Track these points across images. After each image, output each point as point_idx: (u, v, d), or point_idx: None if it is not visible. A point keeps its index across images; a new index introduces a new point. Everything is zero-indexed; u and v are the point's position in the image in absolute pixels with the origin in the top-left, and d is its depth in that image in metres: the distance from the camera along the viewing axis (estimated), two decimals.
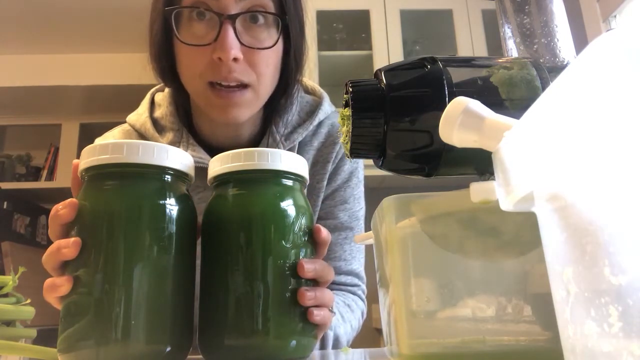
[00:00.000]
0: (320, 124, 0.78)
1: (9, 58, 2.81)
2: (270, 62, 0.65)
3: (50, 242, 0.41)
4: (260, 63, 0.63)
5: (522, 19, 0.44)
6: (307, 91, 0.81)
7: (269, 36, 0.64)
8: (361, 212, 0.81)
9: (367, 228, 0.52)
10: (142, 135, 0.74)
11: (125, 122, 0.79)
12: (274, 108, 0.74)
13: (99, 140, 0.77)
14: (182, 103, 0.75)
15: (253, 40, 0.63)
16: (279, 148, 0.72)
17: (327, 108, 0.79)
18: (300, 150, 0.76)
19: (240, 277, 0.40)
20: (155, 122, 0.74)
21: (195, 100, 0.70)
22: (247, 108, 0.66)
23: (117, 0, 2.40)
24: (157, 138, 0.72)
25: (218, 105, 0.64)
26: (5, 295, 0.52)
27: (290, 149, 0.74)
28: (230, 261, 0.41)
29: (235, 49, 0.60)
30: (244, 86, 0.63)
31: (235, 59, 0.61)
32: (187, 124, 0.75)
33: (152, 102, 0.78)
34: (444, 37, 2.25)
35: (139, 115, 0.76)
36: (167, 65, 0.68)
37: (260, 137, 0.75)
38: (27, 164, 3.01)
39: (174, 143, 0.71)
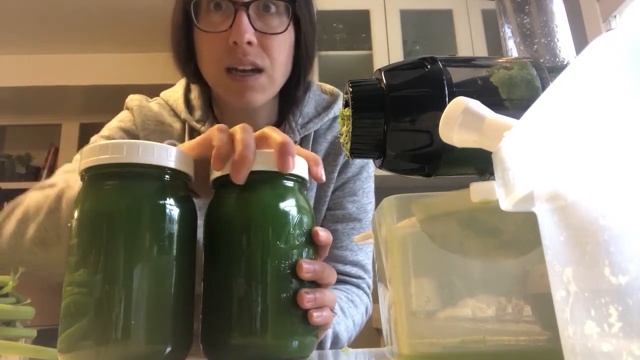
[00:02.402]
0: (335, 118, 0.81)
1: (9, 58, 2.81)
2: (282, 48, 0.69)
3: None
4: (273, 48, 0.68)
5: (522, 19, 0.44)
6: (325, 92, 0.85)
7: (281, 23, 0.69)
8: (370, 205, 0.83)
9: None
10: (173, 110, 0.79)
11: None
12: (289, 99, 0.78)
13: (134, 96, 0.82)
14: (206, 95, 0.79)
15: (265, 27, 0.68)
16: (295, 135, 0.76)
17: None
18: (315, 141, 0.79)
19: (241, 277, 0.40)
20: (188, 101, 0.79)
21: (213, 88, 0.74)
22: (262, 92, 0.69)
23: (117, 1, 2.40)
24: (187, 114, 0.77)
25: (234, 89, 0.68)
26: (5, 295, 0.52)
27: (306, 137, 0.78)
28: (232, 262, 0.41)
29: (249, 33, 0.65)
30: (258, 71, 0.68)
31: (249, 43, 0.65)
32: (211, 112, 0.79)
33: (188, 84, 0.82)
34: (444, 37, 2.25)
35: (174, 92, 0.81)
36: (187, 58, 0.72)
37: (277, 127, 0.78)
38: (27, 164, 3.01)
39: (200, 121, 0.76)
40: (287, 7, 0.69)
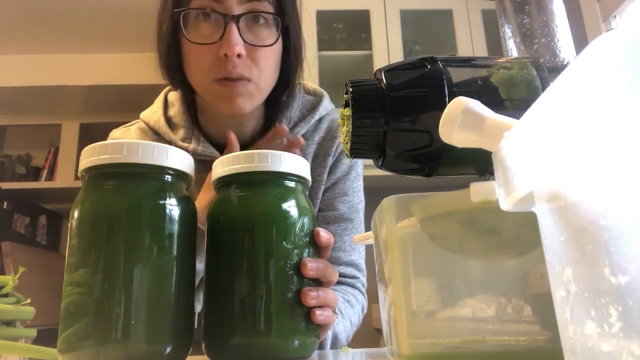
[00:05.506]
0: (320, 119, 0.81)
1: (9, 58, 2.81)
2: (270, 58, 0.70)
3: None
4: (261, 59, 0.68)
5: (522, 19, 0.44)
6: (308, 92, 0.84)
7: (270, 35, 0.69)
8: (360, 204, 0.83)
9: (367, 226, 0.52)
10: (156, 132, 0.78)
11: (136, 119, 0.83)
12: (276, 104, 0.78)
13: (115, 132, 0.81)
14: (190, 101, 0.79)
15: (255, 38, 0.68)
16: (282, 142, 0.75)
17: (327, 105, 0.83)
18: None
19: (243, 277, 0.40)
20: (168, 120, 0.79)
21: (202, 95, 0.73)
22: (250, 99, 0.70)
23: (117, 1, 2.40)
24: (170, 135, 0.76)
25: (224, 96, 0.68)
26: (5, 295, 0.52)
27: None
28: (234, 262, 0.41)
29: (239, 46, 0.65)
30: (246, 80, 0.68)
31: (239, 55, 0.65)
32: (196, 121, 0.79)
33: (166, 101, 0.82)
34: (444, 37, 2.25)
35: (153, 114, 0.80)
36: (174, 65, 0.72)
37: (264, 133, 0.78)
38: (27, 164, 3.01)
39: (186, 139, 0.75)
40: (276, 19, 0.69)
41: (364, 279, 0.81)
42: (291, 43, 0.73)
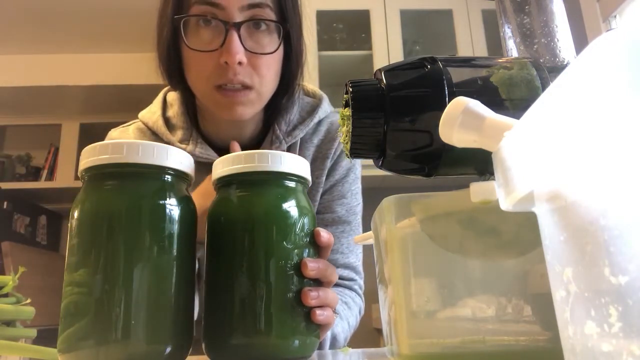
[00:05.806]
0: (320, 122, 0.81)
1: (9, 58, 2.81)
2: (271, 65, 0.69)
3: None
4: (262, 66, 0.68)
5: (522, 19, 0.44)
6: (308, 94, 0.84)
7: (271, 41, 0.69)
8: (359, 207, 0.83)
9: (366, 227, 0.52)
10: (154, 133, 0.78)
11: (136, 118, 0.82)
12: (275, 108, 0.78)
13: (113, 132, 0.81)
14: (189, 103, 0.78)
15: (256, 46, 0.67)
16: (281, 144, 0.76)
17: (327, 107, 0.82)
18: (301, 146, 0.79)
19: (243, 277, 0.40)
20: (167, 120, 0.78)
21: (202, 101, 0.73)
22: (251, 107, 0.69)
23: (117, 1, 2.39)
24: (169, 136, 0.76)
25: (224, 104, 0.68)
26: (6, 295, 0.52)
27: (293, 145, 0.78)
28: (234, 262, 0.41)
29: (240, 54, 0.64)
30: (247, 87, 0.67)
31: (240, 63, 0.65)
32: (195, 123, 0.78)
33: (165, 102, 0.82)
34: (444, 37, 2.25)
35: (152, 114, 0.80)
36: (174, 69, 0.72)
37: (263, 135, 0.78)
38: (27, 164, 3.01)
39: (184, 140, 0.75)
40: (278, 26, 0.68)
41: (361, 282, 0.81)
42: (292, 48, 0.72)
